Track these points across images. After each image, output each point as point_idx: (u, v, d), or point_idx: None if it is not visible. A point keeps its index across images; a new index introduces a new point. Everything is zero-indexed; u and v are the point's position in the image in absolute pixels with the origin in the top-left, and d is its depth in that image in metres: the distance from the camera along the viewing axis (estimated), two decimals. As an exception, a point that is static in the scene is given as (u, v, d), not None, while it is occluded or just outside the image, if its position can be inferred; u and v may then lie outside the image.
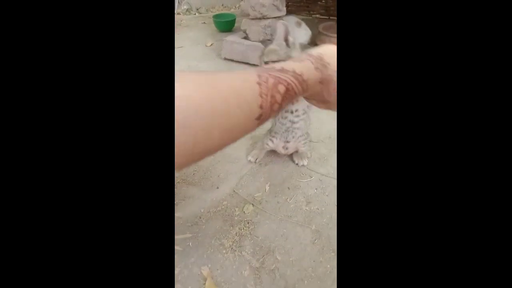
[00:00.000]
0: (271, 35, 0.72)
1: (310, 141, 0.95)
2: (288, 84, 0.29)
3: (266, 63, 0.71)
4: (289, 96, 0.30)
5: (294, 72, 0.30)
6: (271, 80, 0.28)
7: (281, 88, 0.29)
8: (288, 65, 0.31)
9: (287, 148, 0.88)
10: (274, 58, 0.70)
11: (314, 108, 0.90)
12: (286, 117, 0.79)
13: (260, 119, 0.28)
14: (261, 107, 0.27)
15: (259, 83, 0.27)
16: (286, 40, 0.70)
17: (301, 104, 0.76)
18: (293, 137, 0.84)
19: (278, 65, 0.31)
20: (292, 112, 0.78)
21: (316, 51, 0.34)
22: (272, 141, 0.87)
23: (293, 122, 0.80)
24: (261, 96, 0.27)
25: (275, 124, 0.83)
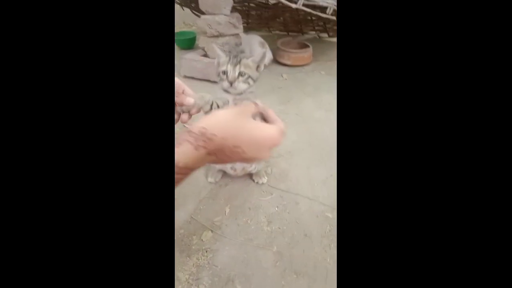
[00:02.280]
0: (240, 52, 0.70)
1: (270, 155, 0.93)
2: None
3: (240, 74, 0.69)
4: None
5: None
6: None
7: None
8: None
9: (235, 170, 0.86)
10: (248, 71, 0.69)
11: None
12: None
13: None
14: None
15: None
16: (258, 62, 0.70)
17: None
18: None
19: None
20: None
21: (197, 125, 0.33)
22: None
23: None
24: None
25: None
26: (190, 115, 0.54)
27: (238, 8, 2.10)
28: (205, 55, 1.53)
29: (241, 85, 0.68)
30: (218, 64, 0.71)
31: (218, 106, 0.70)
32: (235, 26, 1.46)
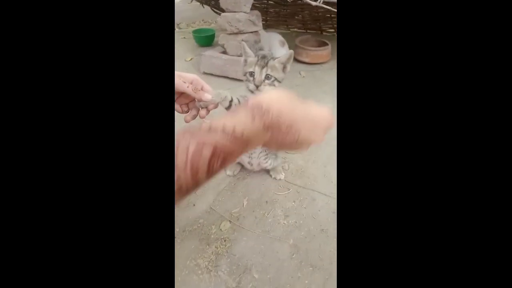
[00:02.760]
0: (260, 49, 0.72)
1: (276, 156, 0.94)
2: (215, 146, 0.28)
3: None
4: (221, 157, 0.28)
5: (223, 129, 0.28)
6: (192, 147, 0.27)
7: (206, 152, 0.27)
8: (218, 122, 0.29)
9: (251, 164, 0.88)
10: (274, 73, 0.71)
11: None
12: None
13: (181, 190, 0.26)
14: (178, 179, 0.26)
15: (176, 153, 0.26)
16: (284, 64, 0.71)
17: None
18: (253, 152, 0.84)
19: (206, 124, 0.29)
20: None
21: (254, 99, 0.32)
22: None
23: None
24: (176, 168, 0.26)
25: None
26: (208, 111, 0.57)
27: (257, 5, 2.12)
28: (224, 52, 1.55)
29: (267, 88, 0.70)
30: (245, 63, 0.72)
31: (239, 102, 0.73)
32: (254, 24, 1.48)
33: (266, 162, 0.86)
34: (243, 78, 0.74)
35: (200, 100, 0.54)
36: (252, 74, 0.70)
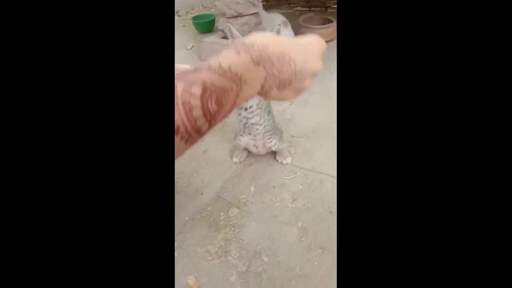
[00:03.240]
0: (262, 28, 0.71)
1: (281, 137, 0.93)
2: (204, 81, 0.25)
3: None
4: (214, 94, 0.26)
5: (208, 66, 0.26)
6: (179, 86, 0.25)
7: (196, 90, 0.25)
8: (203, 63, 0.27)
9: (257, 147, 0.87)
10: None
11: (275, 102, 0.86)
12: (240, 114, 0.80)
13: (180, 133, 0.24)
14: (176, 129, 0.24)
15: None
16: None
17: (254, 100, 0.77)
18: (257, 134, 0.83)
19: (191, 67, 0.27)
20: (246, 109, 0.78)
21: (237, 40, 0.30)
22: (240, 140, 0.86)
23: (247, 118, 0.79)
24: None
25: (241, 123, 0.83)
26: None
27: (257, -15, 2.04)
28: (225, 37, 1.52)
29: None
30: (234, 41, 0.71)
31: None
32: (254, 5, 1.42)
33: (271, 141, 0.85)
34: None
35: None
36: None
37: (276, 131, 0.86)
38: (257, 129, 0.81)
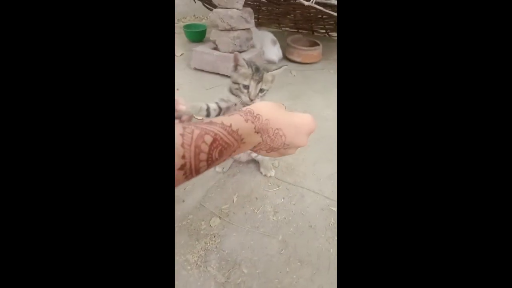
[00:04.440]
0: (261, 66, 0.72)
1: None
2: (216, 134, 0.30)
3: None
4: (219, 146, 0.31)
5: (222, 123, 0.32)
6: (196, 131, 0.29)
7: (208, 138, 0.30)
8: (217, 118, 0.33)
9: (239, 157, 0.88)
10: (267, 86, 0.71)
11: None
12: None
13: (184, 169, 0.28)
14: (183, 157, 0.27)
15: (182, 134, 0.28)
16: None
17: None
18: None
19: (206, 119, 0.33)
20: None
21: (245, 108, 0.37)
22: None
23: None
24: (183, 147, 0.27)
25: None
26: (181, 122, 0.57)
27: (250, 3, 2.11)
28: (216, 48, 1.55)
29: (258, 100, 0.72)
30: (237, 72, 0.72)
31: (218, 107, 0.73)
32: (246, 21, 1.48)
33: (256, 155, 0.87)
34: (233, 86, 0.73)
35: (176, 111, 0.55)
36: (246, 87, 0.71)
37: None
38: (246, 150, 0.82)
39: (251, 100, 0.71)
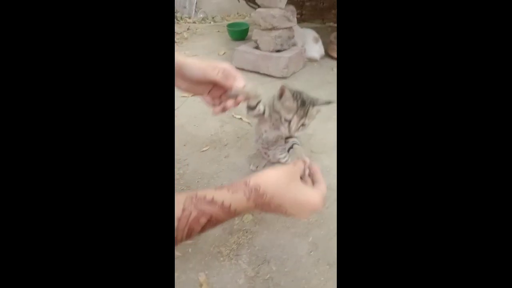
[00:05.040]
0: (308, 99, 0.66)
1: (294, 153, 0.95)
2: (211, 216, 0.34)
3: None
4: (212, 224, 0.35)
5: (222, 204, 0.35)
6: (193, 214, 0.33)
7: (203, 220, 0.34)
8: (219, 196, 0.35)
9: (268, 156, 0.88)
10: (310, 121, 0.67)
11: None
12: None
13: (176, 241, 0.32)
14: (176, 236, 0.32)
15: (179, 219, 0.32)
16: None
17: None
18: (268, 146, 0.82)
19: (209, 194, 0.35)
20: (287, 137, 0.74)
21: (253, 180, 0.38)
22: (257, 141, 0.87)
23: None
24: (176, 230, 0.32)
25: (260, 137, 0.83)
26: (236, 102, 0.55)
27: (293, -1, 2.09)
28: (257, 47, 1.57)
29: (298, 134, 0.69)
30: (282, 104, 0.66)
31: (264, 110, 0.70)
32: (289, 20, 1.47)
33: (281, 154, 0.87)
34: (275, 117, 0.68)
35: (231, 88, 0.52)
36: (288, 120, 0.65)
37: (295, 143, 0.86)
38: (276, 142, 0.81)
39: (291, 135, 0.67)
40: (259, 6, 1.47)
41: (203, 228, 0.35)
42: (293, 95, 0.65)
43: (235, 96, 0.54)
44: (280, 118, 0.67)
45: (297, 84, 1.47)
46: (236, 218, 0.80)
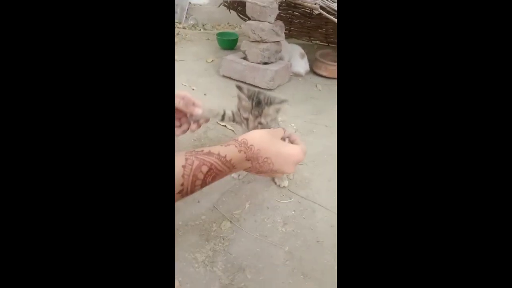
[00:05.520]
0: (264, 98, 0.72)
1: None
2: (211, 164, 0.38)
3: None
4: (213, 173, 0.39)
5: (218, 154, 0.39)
6: (196, 163, 0.37)
7: (204, 169, 0.37)
8: (215, 149, 0.40)
9: None
10: (267, 119, 0.71)
11: (300, 131, 0.90)
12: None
13: (182, 193, 0.36)
14: (182, 184, 0.35)
15: (183, 166, 0.35)
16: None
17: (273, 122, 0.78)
18: None
19: (206, 149, 0.40)
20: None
21: (241, 137, 0.44)
22: None
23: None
24: (183, 177, 0.35)
25: None
26: (199, 125, 0.63)
27: (282, 15, 2.16)
28: (245, 58, 1.60)
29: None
30: (241, 104, 0.73)
31: (233, 115, 0.76)
32: (277, 34, 1.52)
33: None
34: (237, 113, 0.74)
35: (191, 115, 0.60)
36: (246, 119, 0.72)
37: None
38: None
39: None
40: (249, 18, 1.51)
41: (206, 177, 0.37)
42: (249, 95, 0.70)
43: (196, 121, 0.62)
44: (241, 117, 0.73)
45: (282, 96, 1.50)
46: (214, 225, 0.80)
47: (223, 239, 0.76)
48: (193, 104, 0.60)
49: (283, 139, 0.49)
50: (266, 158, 0.43)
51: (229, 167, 0.40)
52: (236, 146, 0.41)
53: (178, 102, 0.58)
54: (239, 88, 0.73)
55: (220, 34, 2.15)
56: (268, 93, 0.74)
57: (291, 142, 0.52)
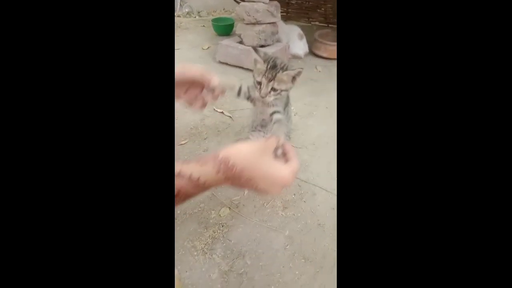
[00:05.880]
0: (280, 63, 0.68)
1: (292, 145, 0.95)
2: (179, 190, 0.33)
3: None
4: (182, 198, 0.34)
5: (190, 176, 0.34)
6: None
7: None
8: (188, 168, 0.35)
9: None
10: (281, 86, 0.69)
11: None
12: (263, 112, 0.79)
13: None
14: None
15: None
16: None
17: (280, 104, 0.75)
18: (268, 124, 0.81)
19: (178, 167, 0.34)
20: (271, 108, 0.75)
21: (223, 152, 0.37)
22: (253, 135, 0.86)
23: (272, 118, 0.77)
24: None
25: (256, 118, 0.83)
26: (215, 96, 0.60)
27: (279, -4, 2.09)
28: (241, 42, 1.56)
29: (271, 99, 0.70)
30: (255, 69, 0.70)
31: (248, 91, 0.74)
32: (273, 15, 1.46)
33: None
34: (253, 80, 0.72)
35: (208, 85, 0.58)
36: (259, 83, 0.68)
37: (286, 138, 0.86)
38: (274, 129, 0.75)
39: (262, 98, 0.69)
40: (244, 1, 1.46)
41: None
42: (265, 58, 0.68)
43: (212, 91, 0.59)
44: (254, 83, 0.70)
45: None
46: (213, 212, 0.78)
47: (222, 226, 0.75)
48: (210, 75, 0.58)
49: (276, 148, 0.43)
50: (249, 179, 0.37)
51: (202, 188, 0.36)
52: (214, 167, 0.35)
53: (196, 71, 0.56)
54: (255, 49, 0.70)
55: (215, 20, 2.08)
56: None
57: (284, 153, 0.45)
